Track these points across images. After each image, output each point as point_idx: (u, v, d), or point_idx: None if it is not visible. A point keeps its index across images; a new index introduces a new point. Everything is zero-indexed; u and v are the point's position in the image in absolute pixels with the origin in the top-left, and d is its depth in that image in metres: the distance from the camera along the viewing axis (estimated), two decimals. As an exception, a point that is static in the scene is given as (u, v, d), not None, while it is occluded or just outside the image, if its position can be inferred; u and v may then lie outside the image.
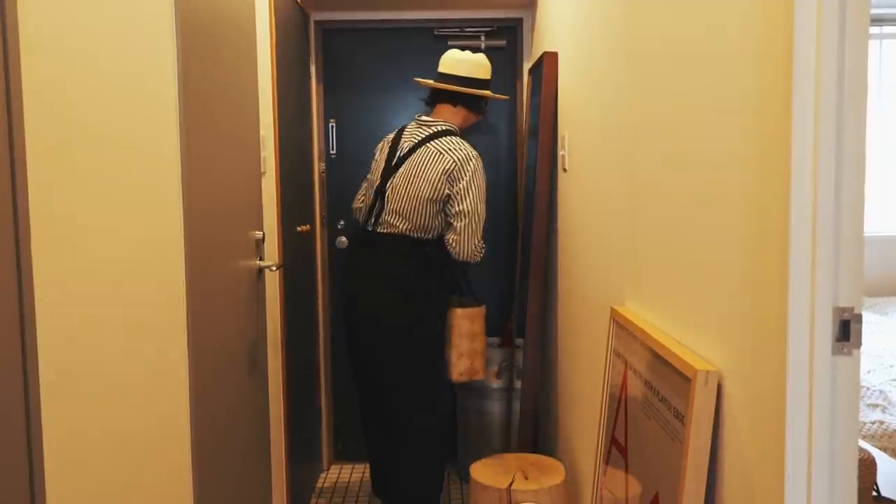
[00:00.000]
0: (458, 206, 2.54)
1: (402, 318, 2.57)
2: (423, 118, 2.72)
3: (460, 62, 2.69)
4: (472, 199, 2.53)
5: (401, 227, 2.57)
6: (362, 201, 2.76)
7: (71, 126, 1.17)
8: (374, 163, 2.77)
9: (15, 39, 1.00)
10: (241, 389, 2.11)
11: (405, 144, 2.64)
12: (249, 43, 2.25)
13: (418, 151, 2.61)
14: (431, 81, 2.77)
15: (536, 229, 2.92)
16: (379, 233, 2.60)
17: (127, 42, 1.38)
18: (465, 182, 2.54)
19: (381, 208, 2.60)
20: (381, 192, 2.61)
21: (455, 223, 2.56)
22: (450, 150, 2.58)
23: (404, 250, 2.57)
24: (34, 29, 1.06)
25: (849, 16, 1.02)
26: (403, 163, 2.61)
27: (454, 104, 2.69)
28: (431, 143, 2.61)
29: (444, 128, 2.66)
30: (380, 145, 2.80)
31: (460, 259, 2.59)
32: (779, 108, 1.07)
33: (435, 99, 2.73)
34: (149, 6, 1.49)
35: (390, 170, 2.62)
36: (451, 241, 2.57)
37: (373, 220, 2.61)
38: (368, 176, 2.82)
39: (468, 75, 2.69)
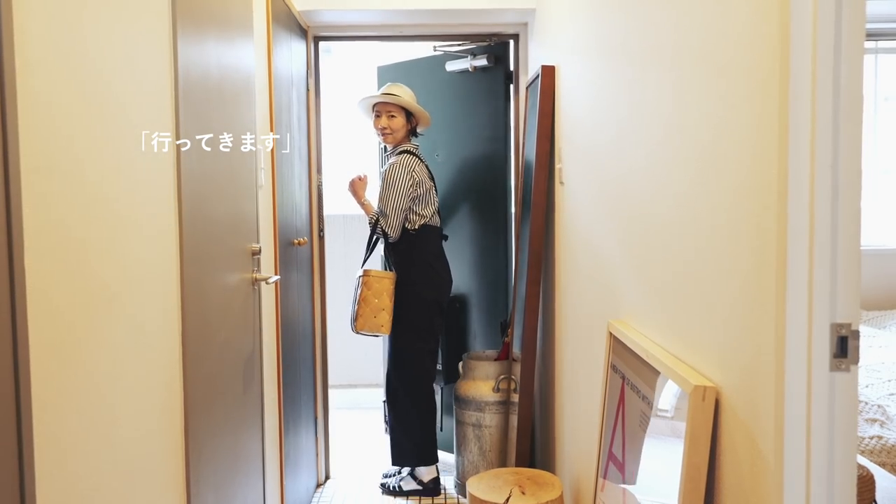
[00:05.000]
0: None
1: None
2: (414, 146, 3.44)
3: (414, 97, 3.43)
4: None
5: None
6: (433, 214, 3.40)
7: (66, 136, 1.16)
8: (423, 187, 3.34)
9: (10, 47, 0.99)
10: (237, 403, 2.10)
11: (427, 165, 3.43)
12: (247, 55, 2.25)
13: (428, 167, 3.45)
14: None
15: (533, 242, 2.92)
16: (442, 227, 3.49)
17: (124, 46, 1.38)
18: None
19: (439, 211, 3.46)
20: (438, 200, 3.45)
21: None
22: None
23: None
24: (31, 38, 1.05)
25: (844, 31, 1.02)
26: (433, 177, 3.46)
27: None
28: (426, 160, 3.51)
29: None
30: (417, 173, 3.32)
31: None
32: (775, 125, 1.07)
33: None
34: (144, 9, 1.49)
35: (434, 185, 3.43)
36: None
37: (441, 223, 3.47)
38: (422, 196, 3.35)
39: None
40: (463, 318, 3.84)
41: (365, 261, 3.42)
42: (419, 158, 3.36)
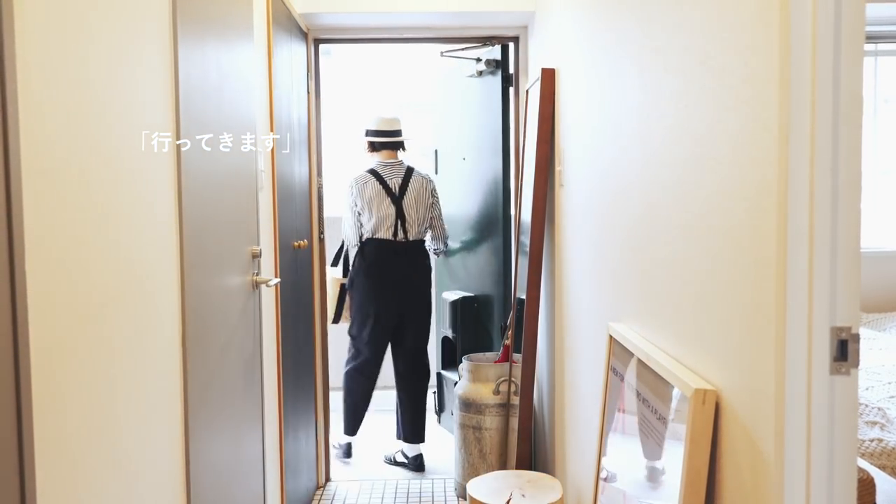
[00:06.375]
0: (437, 208, 3.89)
1: (426, 286, 3.89)
2: (387, 161, 3.76)
3: (395, 121, 3.81)
4: (439, 202, 3.91)
5: (413, 233, 3.75)
6: (378, 227, 3.71)
7: (67, 137, 1.16)
8: (362, 201, 3.70)
9: (11, 48, 1.00)
10: (237, 405, 2.10)
11: (394, 182, 3.72)
12: (247, 57, 2.25)
13: (411, 182, 3.74)
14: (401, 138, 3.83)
15: (533, 245, 2.92)
16: (407, 241, 3.74)
17: (124, 46, 1.38)
18: (437, 193, 3.89)
19: (403, 225, 3.71)
20: (400, 215, 3.70)
21: (436, 220, 3.90)
22: (426, 175, 3.82)
23: (419, 247, 3.82)
24: (32, 39, 1.06)
25: (844, 34, 1.02)
26: (405, 192, 3.70)
27: (394, 149, 3.79)
28: (414, 174, 3.76)
29: (407, 163, 3.80)
30: (358, 189, 3.71)
31: (445, 239, 3.98)
32: (775, 127, 1.07)
33: (384, 146, 3.77)
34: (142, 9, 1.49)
35: (397, 200, 3.68)
36: (438, 231, 3.92)
37: (400, 234, 3.71)
38: (362, 210, 3.71)
39: (401, 128, 3.87)
40: (469, 319, 3.90)
41: (334, 264, 3.92)
42: (376, 175, 3.69)
